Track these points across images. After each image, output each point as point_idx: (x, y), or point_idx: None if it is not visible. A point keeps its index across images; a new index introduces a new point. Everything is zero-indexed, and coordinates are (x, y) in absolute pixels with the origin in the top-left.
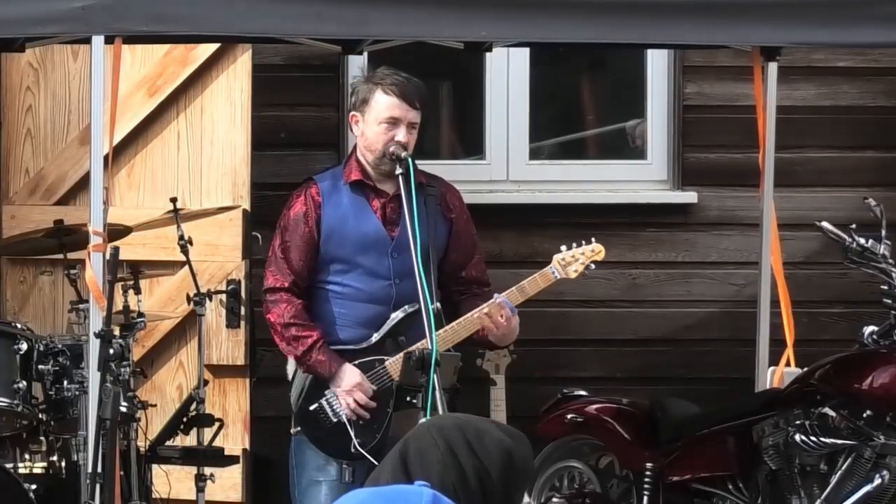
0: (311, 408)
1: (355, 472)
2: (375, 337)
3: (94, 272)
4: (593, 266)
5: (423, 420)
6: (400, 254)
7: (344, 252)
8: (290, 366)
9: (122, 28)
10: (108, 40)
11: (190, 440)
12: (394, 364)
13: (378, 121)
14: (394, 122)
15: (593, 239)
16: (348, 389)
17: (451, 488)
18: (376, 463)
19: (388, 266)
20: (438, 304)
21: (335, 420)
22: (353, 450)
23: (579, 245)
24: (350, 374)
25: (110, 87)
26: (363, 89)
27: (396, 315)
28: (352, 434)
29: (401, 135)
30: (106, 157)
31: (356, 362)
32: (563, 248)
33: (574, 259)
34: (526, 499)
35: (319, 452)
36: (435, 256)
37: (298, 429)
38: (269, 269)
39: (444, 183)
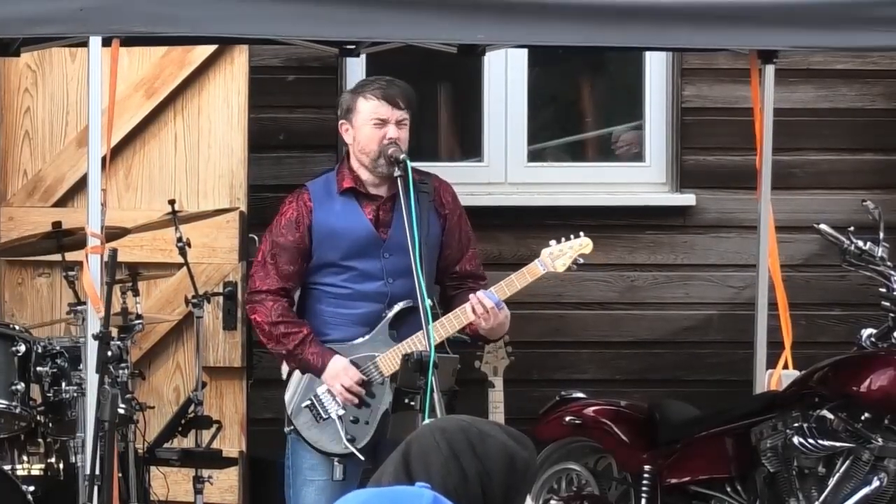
0: (303, 405)
1: (346, 470)
2: (368, 334)
3: (91, 275)
4: (581, 260)
5: (427, 421)
6: (392, 254)
7: (336, 255)
8: (286, 366)
9: (120, 29)
10: (106, 42)
11: (188, 442)
12: (384, 360)
13: (365, 123)
14: (381, 122)
15: (581, 233)
16: (333, 375)
17: (453, 491)
18: (362, 458)
19: (381, 267)
20: (430, 301)
21: (325, 417)
22: (343, 447)
23: (568, 239)
24: (335, 362)
25: (108, 88)
26: (347, 99)
27: (390, 312)
28: (341, 431)
29: (391, 132)
30: (104, 159)
31: (349, 358)
32: (553, 242)
33: (562, 253)
34: (528, 501)
35: (312, 452)
36: (429, 254)
37: (291, 427)
38: (256, 274)
39: (436, 179)
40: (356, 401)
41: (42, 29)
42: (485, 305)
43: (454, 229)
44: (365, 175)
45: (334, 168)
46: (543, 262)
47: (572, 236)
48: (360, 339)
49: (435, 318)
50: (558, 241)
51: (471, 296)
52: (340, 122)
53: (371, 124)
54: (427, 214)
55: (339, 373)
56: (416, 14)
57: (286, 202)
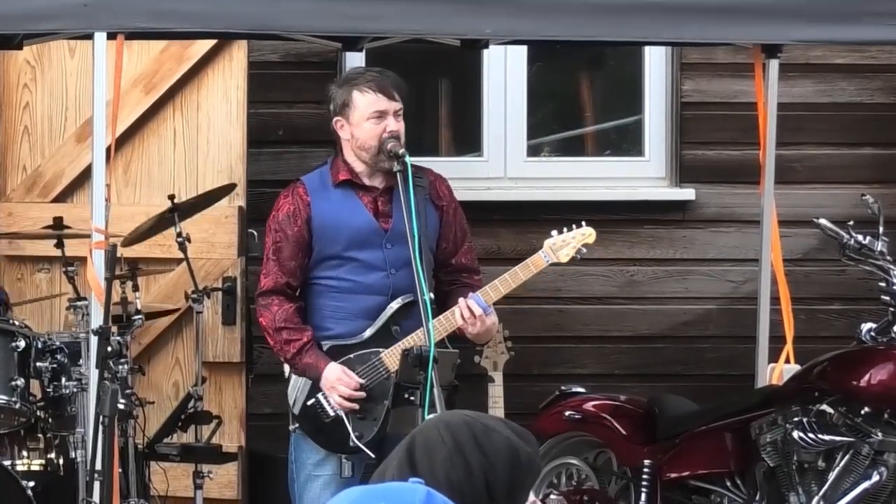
0: (309, 403)
1: (354, 466)
2: (371, 329)
3: (95, 270)
4: (584, 250)
5: (431, 415)
6: (394, 245)
7: (337, 248)
8: None
9: (124, 24)
10: (110, 36)
11: (188, 437)
12: (389, 355)
13: (365, 118)
14: (380, 115)
15: (584, 223)
16: (330, 387)
17: (457, 485)
18: (373, 456)
19: (383, 258)
20: (432, 295)
21: (332, 414)
22: (351, 443)
23: (570, 229)
24: (330, 371)
25: (110, 83)
26: (339, 94)
27: (392, 306)
28: (349, 428)
29: (391, 124)
30: (108, 154)
31: (352, 355)
32: (555, 232)
33: (565, 243)
34: (531, 497)
35: (317, 448)
36: (428, 248)
37: (297, 425)
38: (262, 272)
39: (432, 173)
40: (356, 407)
41: (46, 24)
42: (472, 311)
43: (451, 223)
44: (360, 167)
45: (327, 162)
46: (546, 252)
47: (574, 226)
48: (363, 336)
49: (433, 313)
50: (560, 232)
51: (460, 300)
52: (335, 119)
53: (370, 119)
54: (424, 208)
55: (335, 383)
56: (422, 7)
57: (281, 197)
